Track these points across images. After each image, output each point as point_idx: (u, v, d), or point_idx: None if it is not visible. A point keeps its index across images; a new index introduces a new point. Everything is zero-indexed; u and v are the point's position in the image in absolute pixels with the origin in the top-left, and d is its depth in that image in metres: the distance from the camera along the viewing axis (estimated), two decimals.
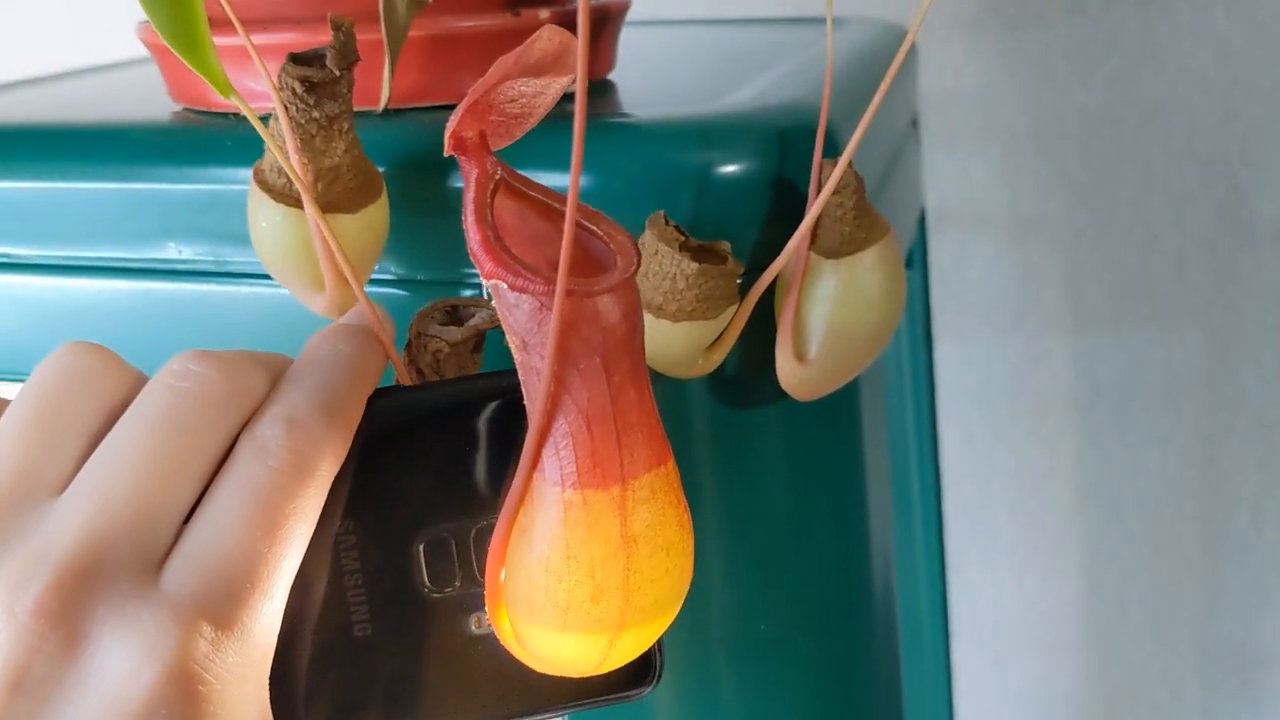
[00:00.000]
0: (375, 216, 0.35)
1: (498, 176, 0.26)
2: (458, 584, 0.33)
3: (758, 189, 0.37)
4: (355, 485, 0.32)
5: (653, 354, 0.34)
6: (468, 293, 0.39)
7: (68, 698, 0.26)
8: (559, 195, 0.27)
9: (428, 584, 0.33)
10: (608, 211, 0.37)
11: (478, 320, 0.35)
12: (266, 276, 0.40)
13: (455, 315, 0.35)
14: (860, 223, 0.35)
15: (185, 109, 0.44)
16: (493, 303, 0.34)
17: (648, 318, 0.34)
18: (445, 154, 0.27)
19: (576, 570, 0.26)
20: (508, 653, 0.31)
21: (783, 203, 0.37)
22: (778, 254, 0.36)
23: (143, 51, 0.59)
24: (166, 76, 0.44)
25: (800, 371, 0.36)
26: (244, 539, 0.28)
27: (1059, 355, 0.87)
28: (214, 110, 0.42)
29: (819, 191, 0.35)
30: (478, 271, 0.26)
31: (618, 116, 0.40)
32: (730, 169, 0.37)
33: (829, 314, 0.35)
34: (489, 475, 0.33)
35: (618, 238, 0.26)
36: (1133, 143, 0.80)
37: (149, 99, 0.47)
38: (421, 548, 0.32)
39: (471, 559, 0.33)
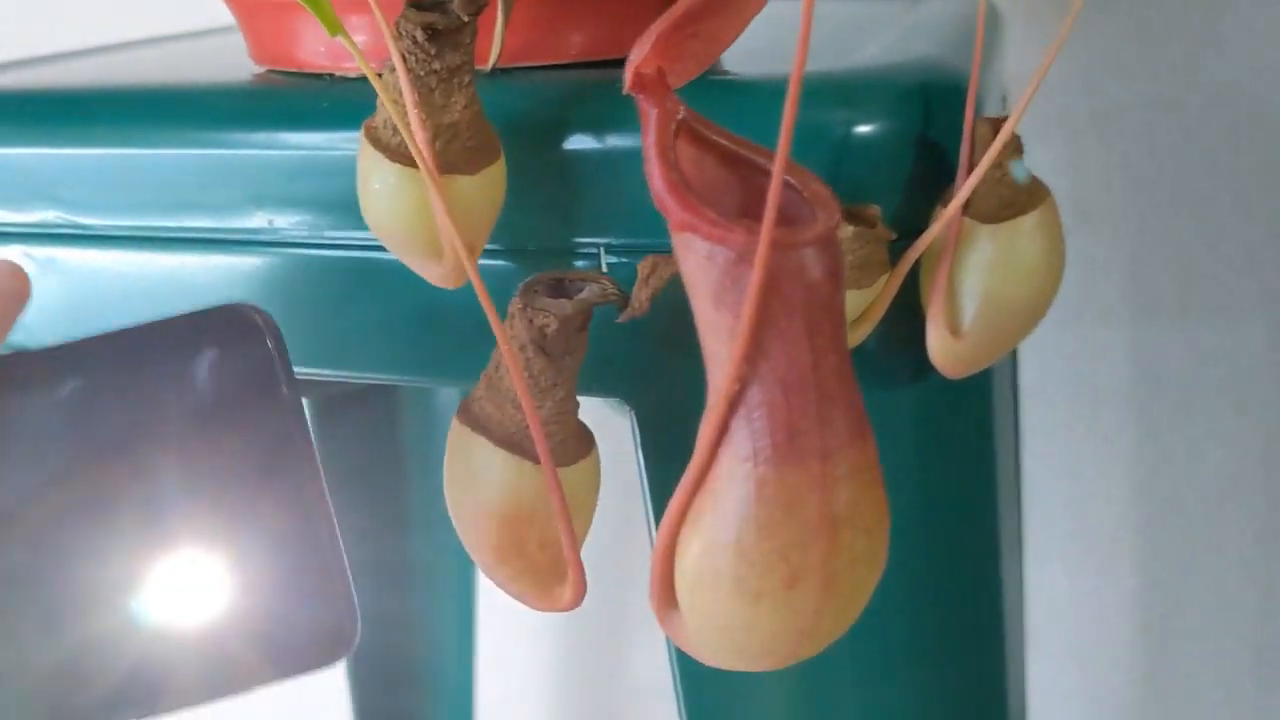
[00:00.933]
0: (494, 178, 0.33)
1: (680, 116, 0.24)
2: (107, 567, 0.29)
3: (899, 149, 0.34)
4: None
5: None
6: (579, 264, 0.36)
7: None
8: (745, 141, 0.24)
9: (69, 567, 0.29)
10: None
11: (589, 294, 0.32)
12: (363, 246, 0.37)
13: (561, 288, 0.33)
14: (1020, 186, 0.33)
15: (270, 71, 0.41)
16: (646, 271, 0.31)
17: None
18: (625, 91, 0.24)
19: (770, 554, 0.24)
20: (168, 643, 0.28)
21: (925, 165, 0.34)
22: (920, 220, 0.33)
23: (204, 24, 0.57)
24: (250, 37, 0.41)
25: (954, 346, 0.33)
26: None
27: (1118, 348, 0.85)
28: (303, 71, 0.39)
29: (971, 151, 0.33)
30: (661, 221, 0.23)
31: (743, 74, 0.37)
32: (870, 128, 0.34)
33: (985, 283, 0.33)
34: (151, 443, 0.29)
35: (813, 187, 0.23)
36: (1196, 131, 0.78)
37: (230, 63, 0.44)
38: (62, 527, 0.29)
39: (123, 540, 0.29)
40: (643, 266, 0.31)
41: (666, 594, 0.27)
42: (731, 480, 0.24)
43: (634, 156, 0.35)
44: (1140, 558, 0.89)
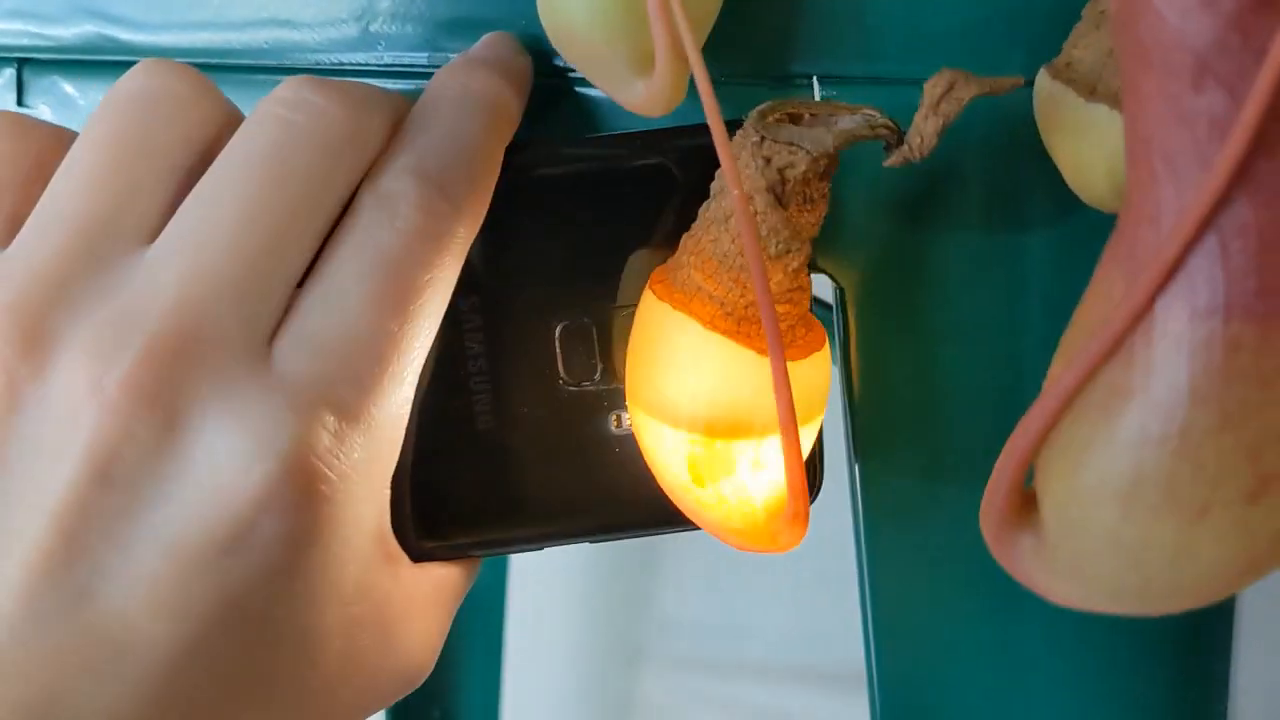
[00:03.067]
0: None
1: None
2: (597, 377, 0.29)
3: None
4: (485, 255, 0.28)
5: None
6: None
7: (164, 491, 0.22)
8: None
9: (563, 375, 0.29)
10: None
11: (853, 124, 0.25)
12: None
13: (797, 122, 0.26)
14: None
15: None
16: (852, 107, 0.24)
17: None
18: None
19: (1233, 452, 0.17)
20: (643, 470, 0.27)
21: None
22: None
23: None
24: None
25: None
26: (371, 315, 0.24)
27: None
28: None
29: None
30: None
31: None
32: None
33: None
34: (648, 254, 0.29)
35: None
36: None
37: None
38: (558, 332, 0.29)
39: (615, 349, 0.29)
40: (932, 86, 0.23)
41: (1014, 511, 0.19)
42: (1179, 345, 0.17)
43: None
44: None
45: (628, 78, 0.25)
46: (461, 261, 0.26)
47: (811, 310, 0.27)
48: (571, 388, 0.29)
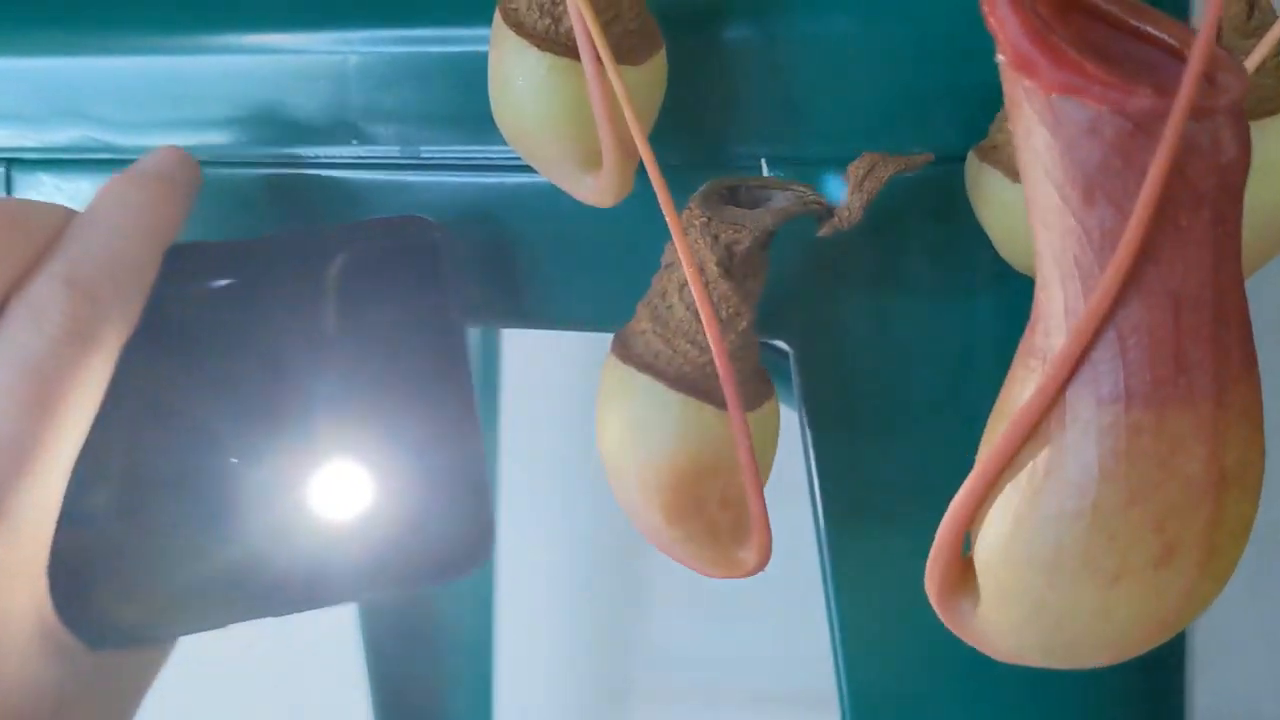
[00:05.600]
0: (657, 71, 0.27)
1: None
2: (266, 468, 0.29)
3: None
4: (147, 355, 0.28)
5: None
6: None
7: None
8: None
9: (230, 466, 0.29)
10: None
11: (787, 202, 0.27)
12: (472, 166, 0.31)
13: (735, 198, 0.28)
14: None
15: None
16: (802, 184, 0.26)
17: None
18: None
19: (1141, 524, 0.18)
20: (317, 544, 0.29)
21: None
22: None
23: None
24: None
25: None
26: (14, 418, 0.25)
27: None
28: None
29: (1217, 31, 0.28)
30: (1022, 83, 0.17)
31: None
32: None
33: None
34: (315, 346, 0.30)
35: (1206, 48, 0.18)
36: None
37: None
38: (225, 425, 0.29)
39: (286, 443, 0.29)
40: (856, 167, 0.26)
41: (954, 578, 0.21)
42: (1088, 429, 0.18)
43: (804, 46, 0.29)
44: None
45: (577, 174, 0.27)
46: (112, 363, 0.27)
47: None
48: (239, 478, 0.30)
